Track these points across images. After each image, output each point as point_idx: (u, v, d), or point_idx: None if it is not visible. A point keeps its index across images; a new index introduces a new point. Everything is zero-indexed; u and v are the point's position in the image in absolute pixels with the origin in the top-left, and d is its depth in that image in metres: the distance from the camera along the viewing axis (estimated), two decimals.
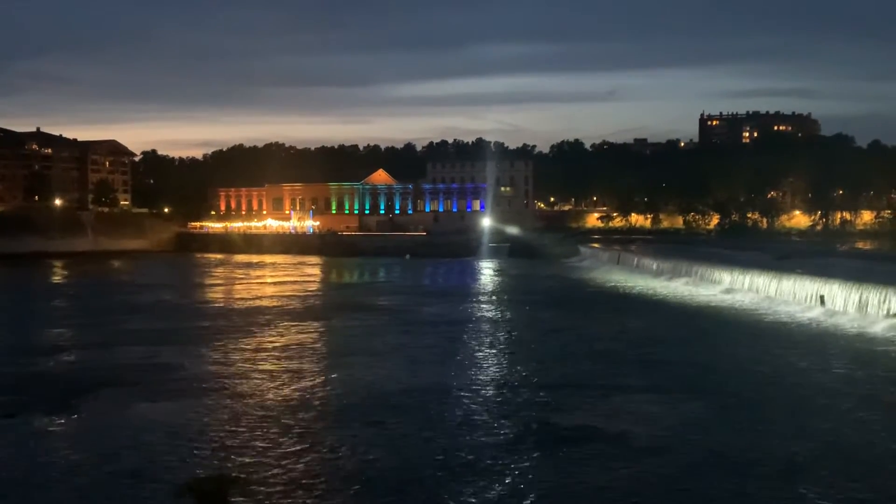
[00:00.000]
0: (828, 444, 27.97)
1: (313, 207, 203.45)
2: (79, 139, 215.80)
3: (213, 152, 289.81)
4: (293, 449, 27.64)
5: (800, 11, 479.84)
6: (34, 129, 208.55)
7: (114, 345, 50.17)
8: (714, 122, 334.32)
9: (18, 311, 75.35)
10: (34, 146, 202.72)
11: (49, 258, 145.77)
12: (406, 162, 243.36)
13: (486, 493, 23.44)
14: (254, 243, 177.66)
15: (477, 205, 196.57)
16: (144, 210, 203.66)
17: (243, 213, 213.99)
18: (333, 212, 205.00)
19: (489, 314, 67.19)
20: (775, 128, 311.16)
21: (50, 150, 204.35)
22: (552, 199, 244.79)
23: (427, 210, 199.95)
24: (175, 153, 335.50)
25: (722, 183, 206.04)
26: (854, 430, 29.57)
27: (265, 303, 76.46)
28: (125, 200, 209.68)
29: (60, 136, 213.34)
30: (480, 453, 27.20)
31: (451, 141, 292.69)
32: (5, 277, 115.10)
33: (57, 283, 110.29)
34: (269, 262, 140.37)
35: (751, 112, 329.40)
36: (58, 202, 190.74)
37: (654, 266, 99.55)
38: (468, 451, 27.37)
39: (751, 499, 22.97)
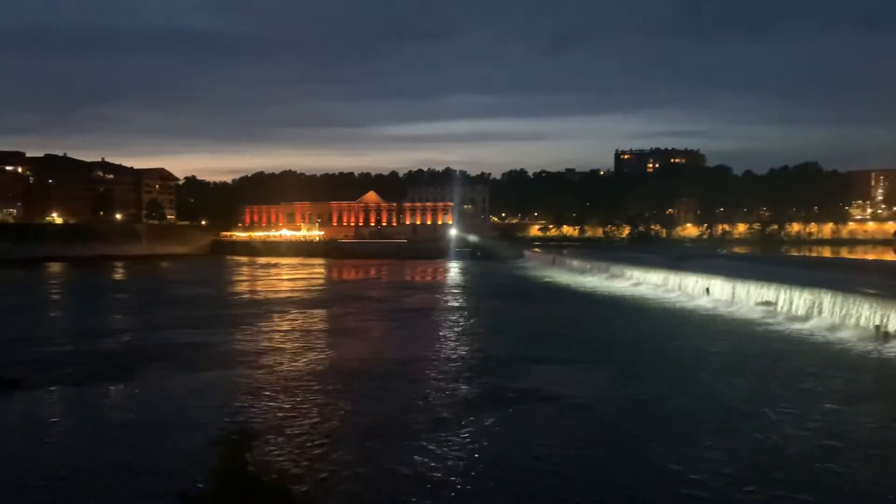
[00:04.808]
0: (704, 397, 28.59)
1: (319, 220, 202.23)
2: (134, 167, 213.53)
3: (240, 178, 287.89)
4: (301, 407, 27.62)
5: (691, 71, 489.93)
6: (99, 160, 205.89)
7: (161, 328, 49.54)
8: (626, 156, 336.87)
9: (86, 301, 74.02)
10: (99, 173, 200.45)
11: (112, 260, 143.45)
12: (391, 186, 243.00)
13: (452, 441, 23.58)
14: (272, 248, 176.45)
15: (447, 219, 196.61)
16: (186, 222, 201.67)
17: (264, 225, 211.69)
18: (335, 224, 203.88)
19: (454, 303, 67.32)
20: (672, 160, 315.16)
21: (112, 176, 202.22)
22: (503, 214, 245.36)
23: (408, 223, 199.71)
24: (210, 178, 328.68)
25: (632, 202, 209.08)
26: (725, 388, 30.15)
27: (281, 295, 75.84)
28: (171, 215, 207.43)
29: (120, 164, 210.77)
30: (446, 410, 27.33)
31: (426, 169, 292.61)
32: (77, 275, 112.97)
33: (117, 279, 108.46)
34: (284, 263, 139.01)
35: (654, 148, 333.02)
36: (118, 217, 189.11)
37: (580, 265, 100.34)
38: (437, 409, 27.49)
39: (649, 437, 23.41)
